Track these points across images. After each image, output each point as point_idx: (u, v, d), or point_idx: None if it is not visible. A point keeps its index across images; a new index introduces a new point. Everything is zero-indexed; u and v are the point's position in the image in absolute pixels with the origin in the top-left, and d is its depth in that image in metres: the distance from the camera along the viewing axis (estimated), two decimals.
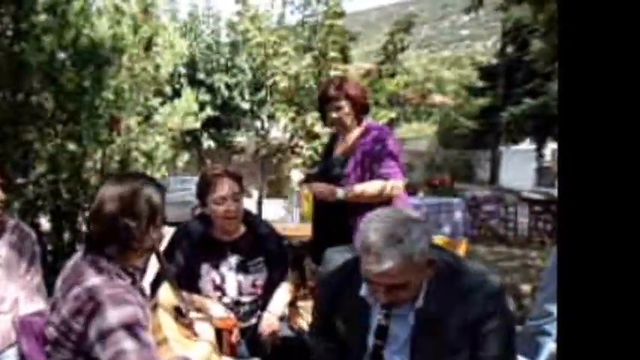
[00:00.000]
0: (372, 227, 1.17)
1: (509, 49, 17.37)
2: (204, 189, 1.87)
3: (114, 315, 1.14)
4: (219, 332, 1.69)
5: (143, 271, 1.56)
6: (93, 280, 1.19)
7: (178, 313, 1.50)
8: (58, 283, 1.27)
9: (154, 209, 1.27)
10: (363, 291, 1.28)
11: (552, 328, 2.23)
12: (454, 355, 1.21)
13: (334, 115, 2.17)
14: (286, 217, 4.48)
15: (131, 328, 1.14)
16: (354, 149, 2.16)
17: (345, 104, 2.14)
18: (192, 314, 1.52)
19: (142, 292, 1.36)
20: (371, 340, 1.26)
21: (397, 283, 1.16)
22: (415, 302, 1.23)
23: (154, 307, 1.44)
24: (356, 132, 2.20)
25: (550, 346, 2.26)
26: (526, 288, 3.98)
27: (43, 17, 3.15)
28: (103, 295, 1.16)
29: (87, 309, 1.15)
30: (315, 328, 1.54)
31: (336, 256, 1.45)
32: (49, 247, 3.28)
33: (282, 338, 1.82)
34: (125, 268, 1.27)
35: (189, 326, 1.48)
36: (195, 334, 1.47)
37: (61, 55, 3.26)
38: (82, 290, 1.18)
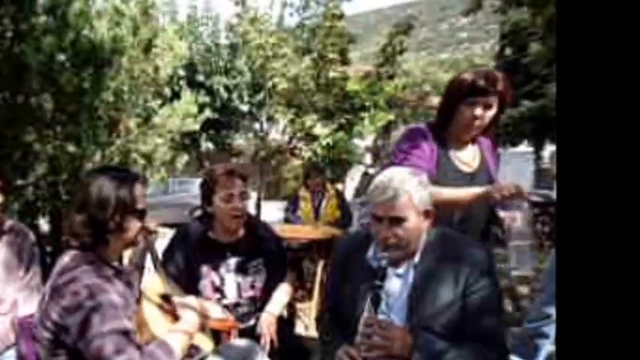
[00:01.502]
0: (380, 175, 1.40)
1: (508, 52, 17.40)
2: (211, 187, 1.85)
3: (90, 305, 1.15)
4: (218, 333, 1.69)
5: (142, 268, 1.57)
6: (73, 274, 1.21)
7: (165, 301, 1.49)
8: (48, 284, 1.28)
9: (120, 200, 1.28)
10: (370, 253, 1.42)
11: (550, 330, 2.23)
12: (448, 312, 1.31)
13: (479, 112, 1.67)
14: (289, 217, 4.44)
15: (108, 317, 1.15)
16: (485, 165, 1.82)
17: (495, 105, 1.69)
18: (176, 298, 1.49)
19: (128, 283, 1.36)
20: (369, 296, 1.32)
21: (397, 216, 1.31)
22: (413, 259, 1.37)
23: (139, 299, 1.43)
24: (476, 144, 1.83)
25: (548, 348, 2.27)
26: (524, 290, 3.99)
27: (42, 19, 3.16)
28: (80, 286, 1.17)
29: (66, 304, 1.17)
30: (322, 312, 1.63)
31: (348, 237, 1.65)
32: (48, 249, 3.28)
33: (281, 339, 1.82)
34: (106, 261, 1.29)
35: (173, 312, 1.47)
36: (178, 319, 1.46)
37: (61, 57, 3.26)
38: (62, 285, 1.19)
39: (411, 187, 1.33)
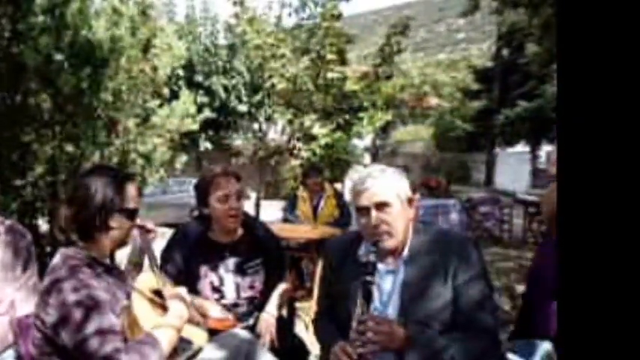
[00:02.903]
0: (357, 173, 1.40)
1: (505, 53, 17.49)
2: (206, 189, 1.86)
3: (76, 302, 1.15)
4: (217, 333, 1.69)
5: (140, 266, 1.57)
6: (61, 272, 1.21)
7: (157, 296, 1.48)
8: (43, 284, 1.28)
9: (106, 198, 1.28)
10: (361, 251, 1.44)
11: None
12: (439, 306, 1.33)
13: None
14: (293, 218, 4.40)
15: (94, 313, 1.15)
16: None
17: None
18: (166, 290, 1.48)
19: (119, 280, 1.36)
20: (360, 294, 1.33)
21: (381, 201, 1.35)
22: (403, 254, 1.41)
23: (129, 296, 1.42)
24: None
25: (544, 346, 2.28)
26: (521, 288, 4.01)
27: (40, 19, 3.15)
28: (67, 284, 1.18)
29: (53, 302, 1.17)
30: (319, 313, 1.63)
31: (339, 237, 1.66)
32: (48, 249, 3.28)
33: (280, 339, 1.82)
34: (95, 258, 1.29)
35: (164, 307, 1.46)
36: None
37: (59, 57, 3.26)
38: (50, 284, 1.20)
39: (388, 176, 1.39)
